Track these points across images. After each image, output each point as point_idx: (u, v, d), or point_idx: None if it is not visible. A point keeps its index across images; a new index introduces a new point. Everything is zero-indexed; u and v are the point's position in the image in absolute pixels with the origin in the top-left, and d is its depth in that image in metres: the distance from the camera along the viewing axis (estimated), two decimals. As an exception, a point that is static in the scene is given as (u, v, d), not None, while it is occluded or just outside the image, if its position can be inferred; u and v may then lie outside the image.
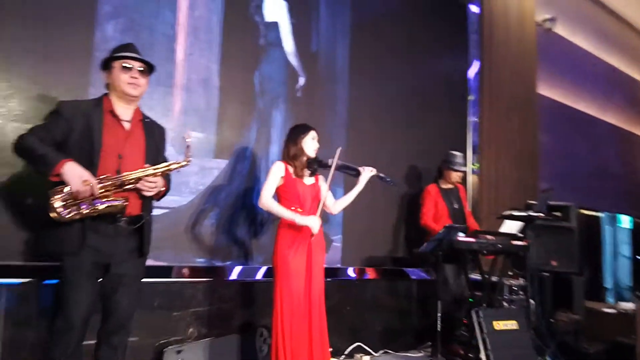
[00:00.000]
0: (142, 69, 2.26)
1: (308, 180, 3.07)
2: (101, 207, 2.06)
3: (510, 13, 5.63)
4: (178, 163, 2.27)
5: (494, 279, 3.96)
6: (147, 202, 2.25)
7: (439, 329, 3.14)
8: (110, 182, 2.08)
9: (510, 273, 4.39)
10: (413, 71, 4.69)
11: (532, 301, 4.29)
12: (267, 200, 2.93)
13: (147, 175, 2.16)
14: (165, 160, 2.36)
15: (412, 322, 4.31)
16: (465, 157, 4.17)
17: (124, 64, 2.21)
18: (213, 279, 3.32)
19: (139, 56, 2.25)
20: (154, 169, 2.19)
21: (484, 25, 5.29)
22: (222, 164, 3.45)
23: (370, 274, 4.20)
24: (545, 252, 4.72)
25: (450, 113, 5.03)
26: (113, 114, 2.20)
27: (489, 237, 3.76)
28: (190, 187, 3.30)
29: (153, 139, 2.32)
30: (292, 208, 2.95)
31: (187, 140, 2.27)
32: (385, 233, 4.32)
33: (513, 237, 3.84)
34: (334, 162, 3.00)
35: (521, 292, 4.19)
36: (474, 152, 5.14)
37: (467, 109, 5.21)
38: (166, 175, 2.33)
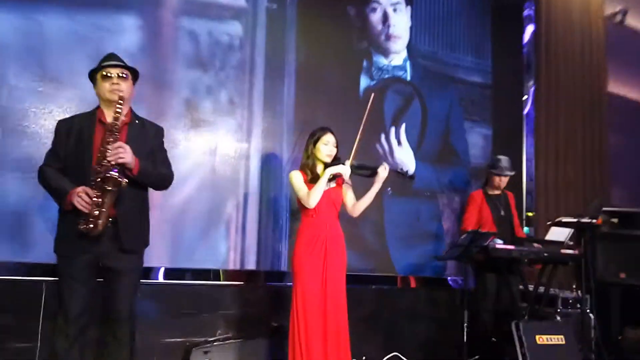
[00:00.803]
0: (123, 74, 2.40)
1: (328, 185, 3.06)
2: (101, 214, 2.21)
3: (573, 8, 5.27)
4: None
5: (542, 290, 3.70)
6: (122, 201, 2.31)
7: (464, 340, 2.99)
8: (94, 178, 2.22)
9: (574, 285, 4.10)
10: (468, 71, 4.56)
11: (591, 315, 3.98)
12: (309, 198, 2.92)
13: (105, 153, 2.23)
14: (163, 156, 2.52)
15: (455, 333, 4.13)
16: (510, 162, 3.95)
17: (103, 73, 2.37)
18: (243, 282, 3.43)
19: (115, 63, 2.40)
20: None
21: (541, 22, 5.00)
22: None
23: (411, 282, 4.10)
24: (613, 263, 4.36)
25: (505, 114, 4.80)
26: (102, 121, 2.38)
27: (535, 245, 3.54)
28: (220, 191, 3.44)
29: (142, 139, 2.44)
30: (311, 215, 2.98)
31: None
32: (429, 240, 4.20)
33: (562, 245, 3.58)
34: (348, 164, 2.99)
35: (578, 305, 3.87)
36: (529, 155, 4.87)
37: (523, 109, 4.94)
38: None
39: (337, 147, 3.10)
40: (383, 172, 3.01)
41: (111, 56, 2.46)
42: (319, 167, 3.07)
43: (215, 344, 3.21)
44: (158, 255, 3.21)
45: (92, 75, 2.44)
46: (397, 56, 4.30)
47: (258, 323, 3.39)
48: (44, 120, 3.01)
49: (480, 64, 4.72)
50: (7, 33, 2.97)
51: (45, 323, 2.77)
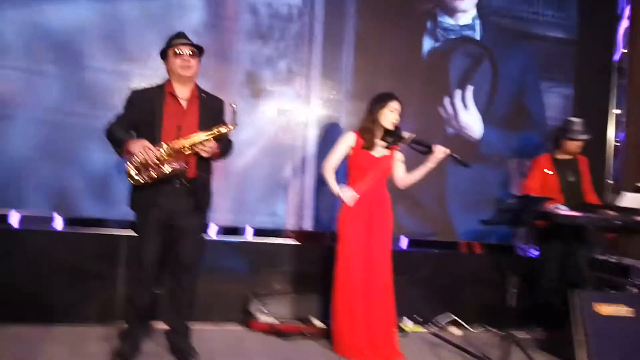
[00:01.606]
0: (191, 52, 2.64)
1: (380, 152, 3.13)
2: (166, 169, 2.49)
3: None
4: (226, 127, 2.59)
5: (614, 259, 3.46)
6: (203, 165, 2.63)
7: (512, 304, 2.92)
8: (168, 147, 2.50)
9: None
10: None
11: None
12: (325, 167, 3.12)
13: (200, 140, 2.52)
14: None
15: (519, 301, 4.02)
16: (584, 124, 3.66)
17: (175, 51, 2.62)
18: (300, 242, 3.65)
19: (186, 41, 2.64)
20: (205, 135, 2.55)
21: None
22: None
23: (472, 247, 4.05)
24: None
25: (591, 72, 4.42)
26: (172, 94, 2.65)
27: (607, 212, 3.31)
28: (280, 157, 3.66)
29: (208, 111, 2.69)
30: (357, 178, 3.09)
31: (233, 106, 2.59)
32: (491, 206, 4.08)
33: (637, 212, 3.30)
34: (410, 136, 3.03)
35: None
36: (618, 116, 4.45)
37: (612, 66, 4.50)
38: (224, 140, 2.69)
39: (401, 116, 3.14)
40: (440, 153, 3.00)
41: (181, 35, 2.70)
42: (378, 134, 3.13)
43: (272, 296, 3.50)
44: (223, 215, 3.54)
45: (163, 52, 2.69)
46: (466, 15, 4.13)
47: (310, 279, 3.60)
48: (121, 94, 3.40)
49: (563, 17, 4.35)
50: (86, 18, 3.37)
51: (124, 270, 3.22)
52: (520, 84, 4.24)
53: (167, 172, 2.49)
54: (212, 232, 3.55)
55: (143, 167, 2.50)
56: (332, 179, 3.11)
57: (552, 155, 3.76)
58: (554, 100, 4.30)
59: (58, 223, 3.34)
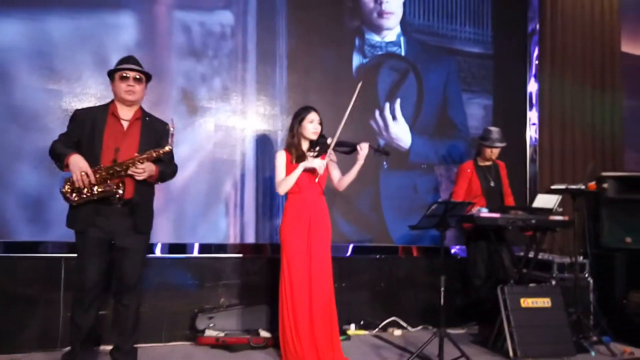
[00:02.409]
0: (138, 77, 2.70)
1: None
2: (97, 191, 2.52)
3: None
4: (160, 150, 2.65)
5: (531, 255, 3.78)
6: (141, 187, 2.66)
7: (441, 303, 3.15)
8: (104, 171, 2.53)
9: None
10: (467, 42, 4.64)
11: (590, 280, 4.05)
12: (280, 186, 3.19)
13: (135, 162, 2.56)
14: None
15: (454, 300, 4.30)
16: (501, 133, 4.01)
17: (122, 75, 2.68)
18: (243, 255, 3.73)
19: (133, 67, 2.69)
20: (141, 156, 2.59)
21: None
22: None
23: (408, 251, 4.29)
24: (618, 228, 4.38)
25: (507, 83, 4.81)
26: (114, 115, 2.68)
27: (520, 212, 3.63)
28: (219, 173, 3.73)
29: (150, 134, 2.73)
30: (295, 192, 3.21)
31: (170, 128, 2.65)
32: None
33: (550, 212, 3.64)
34: (333, 141, 3.18)
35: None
36: (534, 123, 4.87)
37: (527, 74, 4.92)
38: (166, 161, 2.74)
39: (321, 124, 3.30)
40: (364, 149, 3.17)
41: (129, 59, 2.76)
42: (305, 145, 3.28)
43: (218, 310, 3.54)
44: (165, 232, 3.55)
45: (111, 74, 2.74)
46: (391, 32, 4.39)
47: (257, 291, 3.68)
48: (53, 114, 3.35)
49: (480, 34, 4.72)
50: (16, 37, 3.30)
51: (66, 293, 3.16)
52: (444, 96, 4.55)
53: (96, 193, 2.52)
54: (157, 250, 3.55)
55: (77, 188, 2.53)
56: (290, 175, 3.15)
57: (475, 162, 4.08)
58: (476, 111, 4.65)
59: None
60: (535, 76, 4.90)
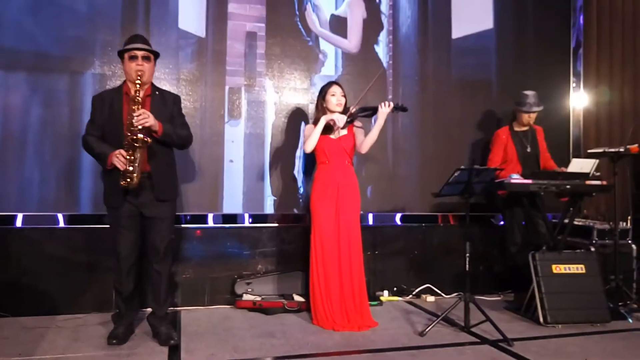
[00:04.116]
0: (146, 56, 2.83)
1: (338, 134, 3.39)
2: (135, 158, 2.70)
3: None
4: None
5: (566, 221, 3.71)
6: (155, 159, 2.82)
7: (466, 269, 3.19)
8: (125, 144, 2.71)
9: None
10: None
11: (633, 245, 3.92)
12: (306, 143, 3.36)
13: (132, 119, 2.68)
14: (182, 121, 2.97)
15: (492, 267, 4.30)
16: (537, 96, 3.89)
17: (131, 55, 2.81)
18: (280, 224, 3.93)
19: (141, 46, 2.82)
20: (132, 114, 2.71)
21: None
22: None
23: (443, 219, 4.31)
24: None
25: (551, 38, 4.64)
26: (128, 95, 2.82)
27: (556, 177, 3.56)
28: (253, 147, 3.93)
29: (161, 107, 2.88)
30: (323, 162, 3.37)
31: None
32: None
33: (587, 176, 3.54)
34: (352, 107, 3.31)
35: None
36: (578, 82, 4.67)
37: (571, 31, 4.72)
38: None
39: (344, 96, 3.41)
40: (383, 108, 3.26)
41: (137, 38, 2.89)
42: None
43: (256, 276, 3.78)
44: (208, 204, 3.81)
45: (120, 54, 2.87)
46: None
47: (292, 258, 3.90)
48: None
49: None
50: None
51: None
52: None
53: (137, 162, 2.70)
54: (209, 220, 3.83)
55: (125, 174, 2.72)
56: (313, 133, 3.31)
57: (510, 127, 4.00)
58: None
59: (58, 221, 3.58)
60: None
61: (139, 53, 2.82)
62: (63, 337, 2.99)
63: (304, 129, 3.46)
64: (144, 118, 2.70)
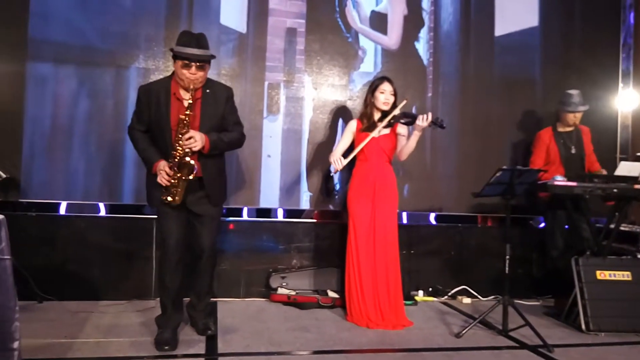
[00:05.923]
0: (201, 65, 2.63)
1: (379, 133, 3.35)
2: (180, 177, 2.64)
3: None
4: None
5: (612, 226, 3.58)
6: (206, 164, 2.76)
7: (506, 271, 3.11)
8: (173, 160, 2.64)
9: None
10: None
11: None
12: (333, 153, 3.38)
13: (179, 139, 2.61)
14: (234, 118, 2.88)
15: (531, 271, 4.20)
16: (582, 96, 3.76)
17: (184, 63, 2.61)
18: (316, 220, 3.93)
19: (197, 53, 2.61)
20: (180, 130, 2.62)
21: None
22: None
23: (482, 220, 4.23)
24: None
25: (598, 36, 4.49)
26: (176, 96, 2.69)
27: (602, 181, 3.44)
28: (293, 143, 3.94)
29: (211, 107, 2.74)
30: (362, 160, 3.38)
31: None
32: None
33: (635, 180, 3.41)
34: (393, 113, 3.27)
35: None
36: (626, 82, 4.50)
37: (620, 29, 4.55)
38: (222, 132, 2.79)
39: (394, 95, 3.37)
40: (421, 122, 3.16)
41: (192, 39, 2.64)
42: (377, 116, 3.40)
43: (291, 270, 3.80)
44: (245, 198, 3.85)
45: (173, 52, 2.65)
46: None
47: (327, 255, 3.90)
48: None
49: None
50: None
51: (157, 251, 3.55)
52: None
53: (183, 179, 2.63)
54: (244, 214, 3.87)
55: (168, 189, 2.68)
56: (339, 157, 3.27)
57: (553, 128, 3.89)
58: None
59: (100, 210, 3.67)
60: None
61: (194, 62, 2.62)
62: (105, 322, 3.08)
63: (348, 124, 3.48)
64: (192, 143, 2.60)
